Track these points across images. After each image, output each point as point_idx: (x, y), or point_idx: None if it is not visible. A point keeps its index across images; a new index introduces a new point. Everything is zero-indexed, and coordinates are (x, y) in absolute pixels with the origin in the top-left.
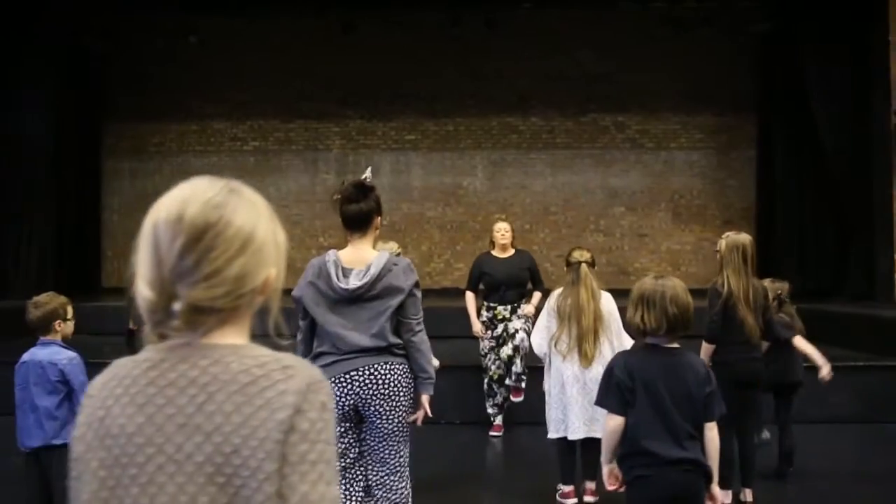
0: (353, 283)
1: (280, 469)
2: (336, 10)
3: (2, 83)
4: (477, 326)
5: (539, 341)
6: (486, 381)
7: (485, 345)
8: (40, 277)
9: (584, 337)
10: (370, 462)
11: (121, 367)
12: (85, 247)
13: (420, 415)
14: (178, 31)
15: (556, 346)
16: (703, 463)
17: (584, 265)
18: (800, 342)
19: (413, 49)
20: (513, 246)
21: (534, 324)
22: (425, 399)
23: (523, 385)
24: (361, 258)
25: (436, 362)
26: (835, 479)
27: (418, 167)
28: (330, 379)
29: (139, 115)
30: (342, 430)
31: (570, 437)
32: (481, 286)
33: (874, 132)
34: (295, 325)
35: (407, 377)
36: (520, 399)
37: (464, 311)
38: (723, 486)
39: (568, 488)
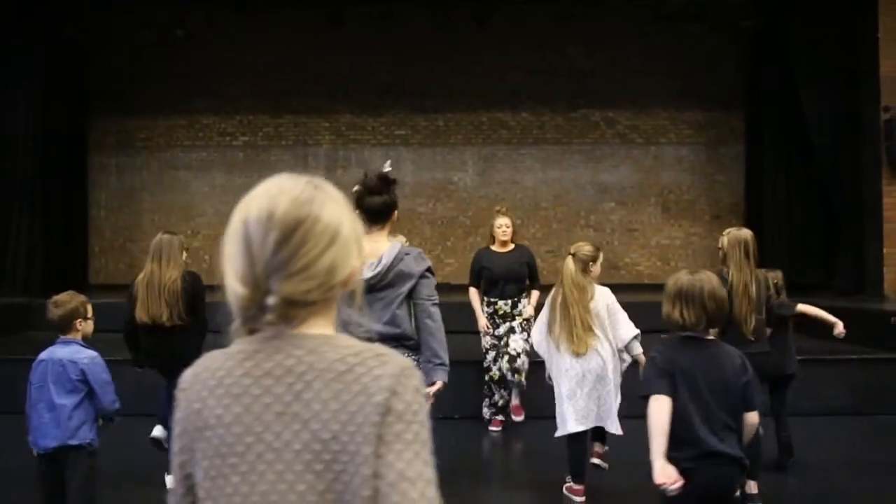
0: (367, 273)
1: (376, 451)
2: (326, 4)
3: None
4: (482, 322)
5: (538, 339)
6: (486, 379)
7: (486, 341)
8: (27, 274)
9: (572, 327)
10: None
11: (212, 359)
12: (71, 243)
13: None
14: (164, 24)
15: (550, 335)
16: (739, 456)
17: (568, 257)
18: (805, 308)
19: (403, 44)
20: (513, 241)
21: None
22: (436, 385)
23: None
24: (376, 250)
25: None
26: (834, 471)
27: (409, 162)
28: None
29: (125, 110)
30: None
31: (571, 429)
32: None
33: (863, 128)
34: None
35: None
36: (520, 418)
37: (458, 306)
38: (749, 477)
39: (578, 486)
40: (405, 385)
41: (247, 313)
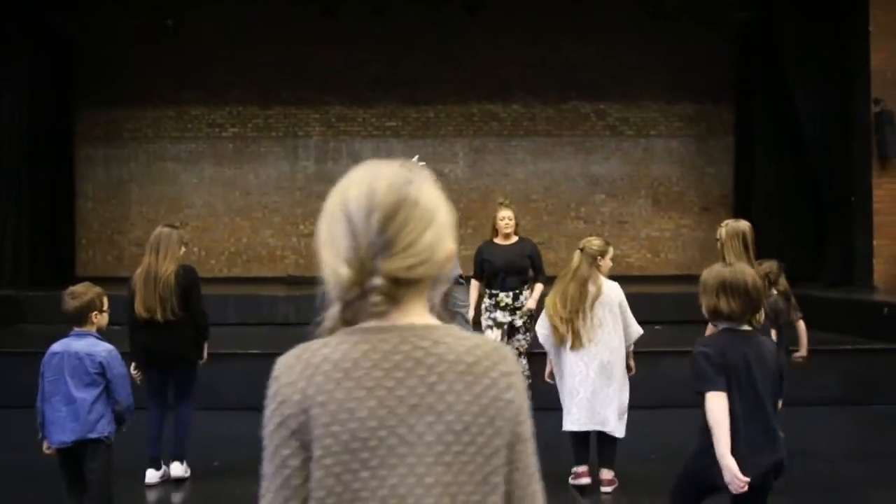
0: None
1: (507, 444)
2: None
3: None
4: (471, 313)
5: (545, 333)
6: None
7: (483, 326)
8: (14, 267)
9: (576, 322)
10: None
11: (312, 351)
12: (58, 235)
13: None
14: (153, 13)
15: (554, 329)
16: (784, 458)
17: (576, 252)
18: (801, 329)
19: (394, 36)
20: (516, 233)
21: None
22: None
23: None
24: None
25: None
26: (828, 460)
27: (399, 154)
28: None
29: (113, 101)
30: None
31: (569, 427)
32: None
33: (854, 121)
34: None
35: None
36: None
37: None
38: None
39: (581, 468)
40: (521, 381)
41: (349, 295)
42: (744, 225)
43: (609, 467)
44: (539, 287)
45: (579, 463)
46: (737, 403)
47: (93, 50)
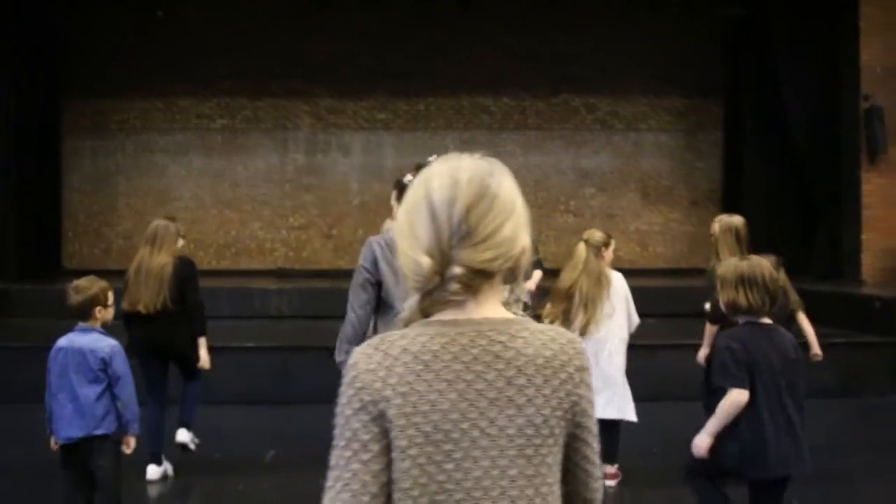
0: None
1: (581, 439)
2: None
3: None
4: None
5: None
6: None
7: None
8: (1, 259)
9: (594, 311)
10: None
11: (390, 342)
12: (44, 227)
13: None
14: (144, 3)
15: (569, 321)
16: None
17: (581, 244)
18: (803, 321)
19: (385, 28)
20: None
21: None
22: None
23: None
24: None
25: None
26: (830, 452)
27: (390, 147)
28: None
29: (101, 91)
30: None
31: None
32: None
33: (843, 116)
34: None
35: None
36: None
37: None
38: None
39: (611, 469)
40: (590, 373)
41: (429, 285)
42: (737, 220)
43: (611, 462)
44: (538, 273)
45: (607, 458)
46: (761, 397)
47: (81, 39)
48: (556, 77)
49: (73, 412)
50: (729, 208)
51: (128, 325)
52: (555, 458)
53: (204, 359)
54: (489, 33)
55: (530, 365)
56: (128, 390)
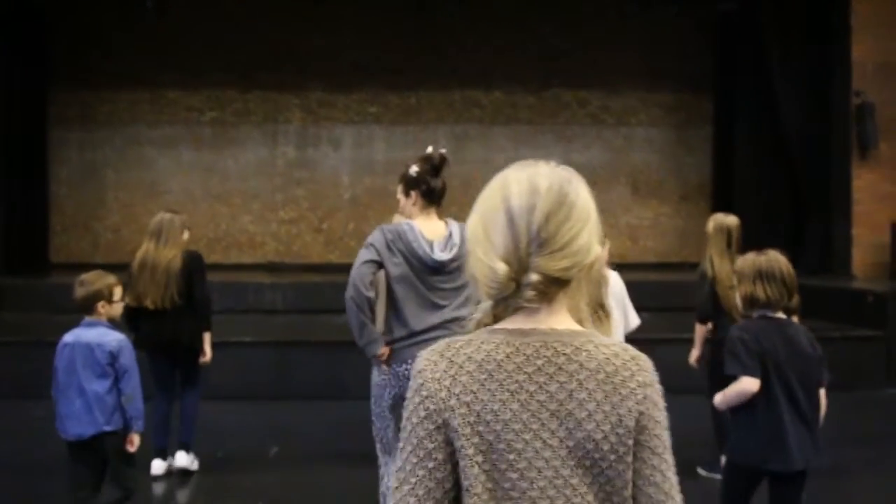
0: (444, 254)
1: (642, 458)
2: None
3: None
4: None
5: None
6: None
7: None
8: None
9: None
10: None
11: (455, 349)
12: (31, 220)
13: None
14: None
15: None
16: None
17: None
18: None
19: (376, 21)
20: None
21: None
22: None
23: None
24: (437, 230)
25: None
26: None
27: (381, 140)
28: (409, 360)
29: (88, 83)
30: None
31: None
32: None
33: (834, 112)
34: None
35: None
36: None
37: None
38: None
39: None
40: (658, 392)
41: (503, 291)
42: (730, 221)
43: None
44: None
45: None
46: (776, 389)
47: (68, 30)
48: (547, 71)
49: (81, 409)
50: (719, 203)
51: (133, 320)
52: (619, 474)
53: (207, 354)
54: (480, 27)
55: (591, 379)
56: (133, 384)
